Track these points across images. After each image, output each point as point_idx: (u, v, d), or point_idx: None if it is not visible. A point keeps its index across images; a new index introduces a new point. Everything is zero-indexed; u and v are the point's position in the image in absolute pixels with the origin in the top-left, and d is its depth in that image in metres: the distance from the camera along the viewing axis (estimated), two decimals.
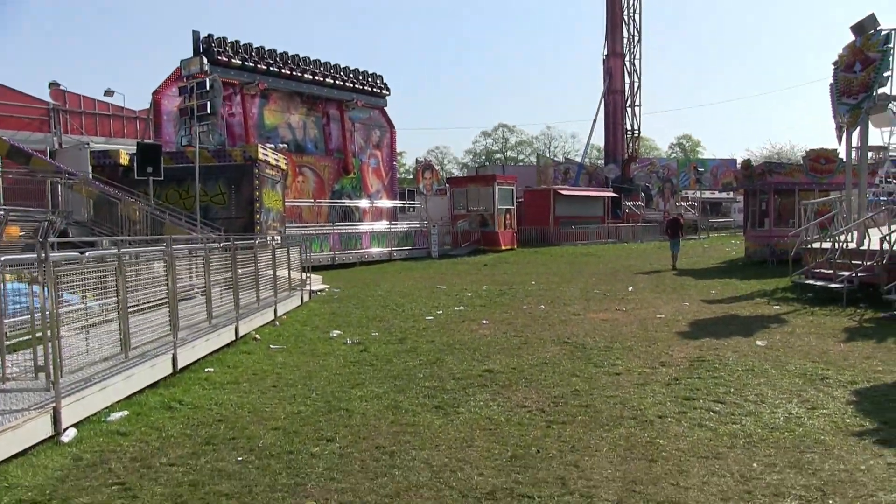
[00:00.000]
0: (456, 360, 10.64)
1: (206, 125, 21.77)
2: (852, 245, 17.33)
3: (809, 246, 19.12)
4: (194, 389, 9.10)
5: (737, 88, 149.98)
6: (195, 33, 31.54)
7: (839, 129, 19.39)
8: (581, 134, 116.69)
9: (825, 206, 20.85)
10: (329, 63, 37.95)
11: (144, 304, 9.80)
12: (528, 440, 6.75)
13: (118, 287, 8.64)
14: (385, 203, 42.08)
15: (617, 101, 56.38)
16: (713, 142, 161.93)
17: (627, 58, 56.88)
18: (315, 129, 38.06)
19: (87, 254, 9.72)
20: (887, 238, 15.33)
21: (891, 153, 31.51)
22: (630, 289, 20.00)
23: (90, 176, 21.81)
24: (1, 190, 21.34)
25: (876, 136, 24.03)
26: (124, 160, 23.09)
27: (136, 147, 20.60)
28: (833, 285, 16.00)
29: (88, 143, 27.95)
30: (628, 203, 52.06)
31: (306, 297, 18.95)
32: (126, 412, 7.80)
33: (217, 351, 11.53)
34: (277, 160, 25.99)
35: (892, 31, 17.67)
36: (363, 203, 39.97)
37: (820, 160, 26.56)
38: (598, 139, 59.91)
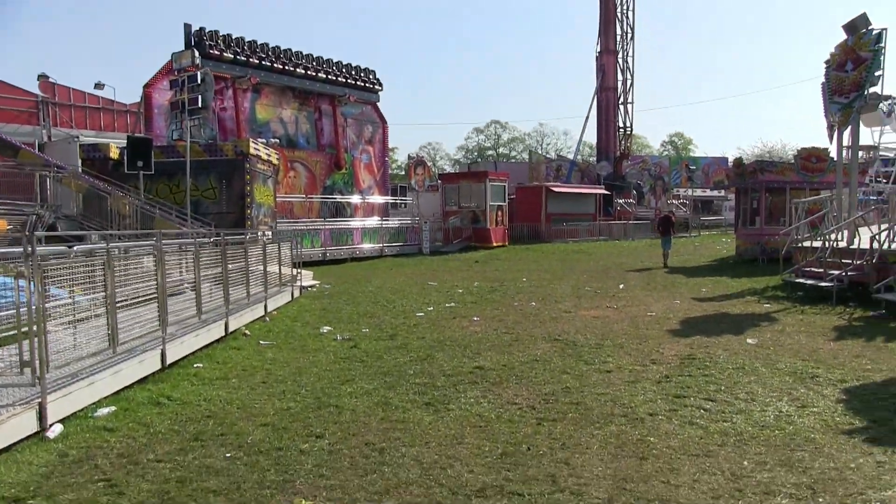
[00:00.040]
0: (446, 357, 10.61)
1: (197, 119, 21.62)
2: (842, 244, 17.37)
3: (800, 244, 19.16)
4: (183, 385, 9.04)
5: (729, 87, 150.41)
6: (187, 26, 31.34)
7: (830, 127, 19.44)
8: (573, 131, 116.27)
9: (816, 205, 20.91)
10: (321, 58, 37.78)
11: (133, 298, 9.73)
12: (518, 437, 6.72)
13: (106, 282, 8.57)
14: (377, 199, 41.97)
15: (609, 99, 56.37)
16: (705, 140, 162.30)
17: (620, 55, 56.91)
18: (307, 124, 37.91)
19: (75, 248, 9.67)
20: (877, 237, 15.39)
21: (881, 153, 31.68)
22: (621, 286, 20.01)
23: (79, 170, 21.67)
24: None
25: (867, 135, 24.18)
26: (114, 154, 22.92)
27: (126, 141, 20.47)
28: (823, 284, 16.07)
29: (78, 137, 27.77)
30: (620, 200, 52.11)
31: (297, 293, 18.89)
32: (113, 408, 7.74)
33: (206, 346, 11.47)
34: (269, 155, 25.87)
35: (884, 31, 17.73)
36: (355, 199, 39.86)
37: (811, 159, 26.64)
38: (591, 136, 60.06)
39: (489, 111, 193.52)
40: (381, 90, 42.08)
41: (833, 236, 17.68)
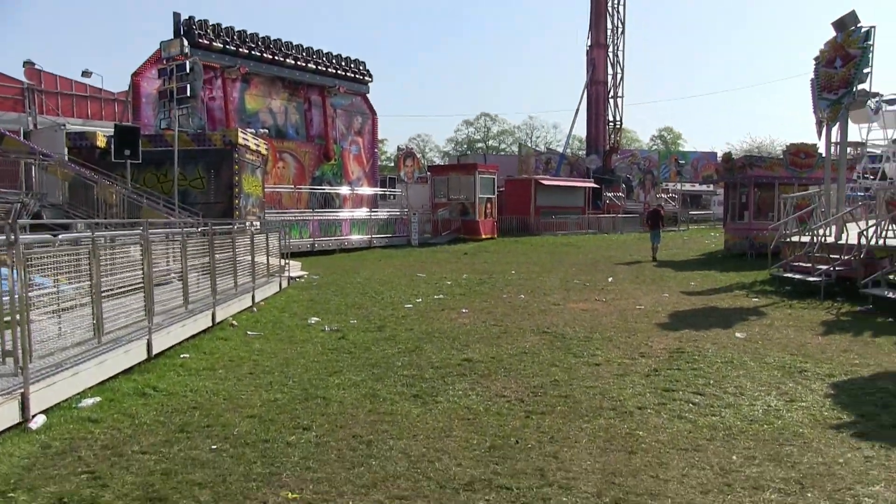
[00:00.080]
0: (435, 349, 10.57)
1: (185, 108, 21.48)
2: (830, 239, 17.43)
3: (788, 239, 19.22)
4: (169, 376, 8.96)
5: (718, 82, 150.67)
6: (176, 15, 31.10)
7: (819, 123, 19.51)
8: (563, 124, 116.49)
9: (804, 201, 20.97)
10: (311, 48, 37.61)
11: (119, 288, 9.64)
12: (506, 430, 6.69)
13: (92, 271, 8.48)
14: (366, 190, 41.87)
15: (599, 92, 56.33)
16: (694, 135, 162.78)
17: (611, 49, 56.89)
18: (296, 115, 37.76)
19: (59, 236, 9.58)
20: (865, 233, 15.43)
21: (868, 149, 31.85)
22: (610, 279, 20.01)
23: (66, 158, 21.49)
24: None
25: (854, 132, 24.29)
26: (101, 142, 22.74)
27: (113, 129, 20.30)
28: (811, 279, 16.12)
29: (64, 125, 27.57)
30: (609, 194, 52.11)
31: (285, 284, 18.81)
32: (98, 398, 7.65)
33: (193, 337, 11.38)
34: (258, 145, 25.73)
35: (872, 29, 17.79)
36: (344, 190, 39.74)
37: (800, 154, 26.71)
38: (581, 130, 59.97)
39: (479, 103, 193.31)
40: (371, 81, 41.98)
41: (821, 231, 17.73)
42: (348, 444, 6.34)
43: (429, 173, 44.53)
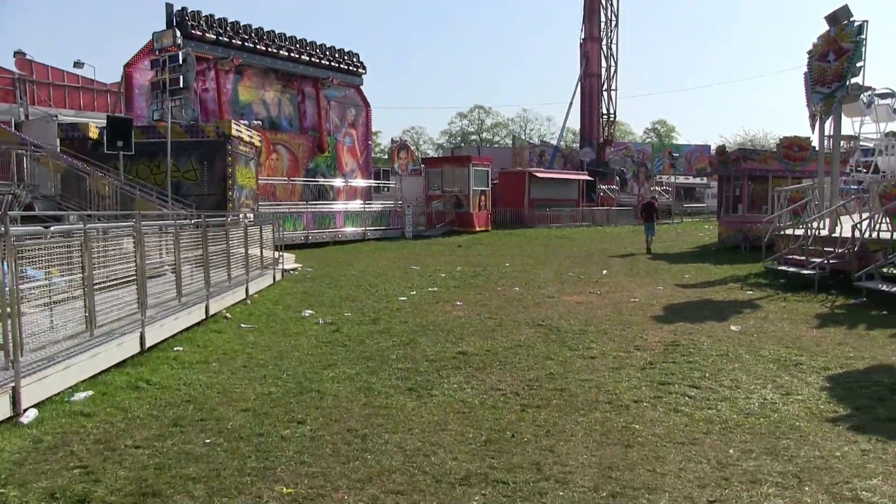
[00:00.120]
0: (429, 342, 10.54)
1: (178, 100, 21.43)
2: (824, 232, 17.44)
3: (782, 232, 19.22)
4: (162, 369, 8.91)
5: (712, 75, 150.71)
6: (168, 6, 30.96)
7: (812, 117, 19.50)
8: (557, 117, 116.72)
9: (798, 194, 20.96)
10: (305, 40, 37.49)
11: (112, 280, 9.58)
12: (502, 424, 6.66)
13: (84, 263, 8.41)
14: (360, 182, 41.79)
15: (593, 85, 56.22)
16: (688, 128, 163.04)
17: (605, 42, 56.70)
18: (290, 107, 37.66)
19: (51, 228, 9.49)
20: (858, 226, 15.44)
21: (861, 143, 31.85)
22: (604, 272, 20.00)
23: (58, 149, 21.37)
24: None
25: (847, 125, 24.25)
26: (93, 134, 22.63)
27: (106, 121, 20.19)
28: (805, 272, 16.11)
29: (56, 116, 27.38)
30: (603, 187, 52.11)
31: (279, 276, 18.75)
32: (91, 392, 7.59)
33: (187, 329, 11.33)
34: (251, 137, 25.65)
35: (865, 23, 17.79)
36: (337, 182, 39.66)
37: (793, 148, 26.72)
38: (574, 122, 59.80)
39: (473, 96, 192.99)
40: (365, 73, 41.93)
41: (815, 224, 17.75)
42: (343, 437, 6.30)
43: (423, 165, 44.46)
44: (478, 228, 37.48)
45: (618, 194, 52.84)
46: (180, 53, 20.19)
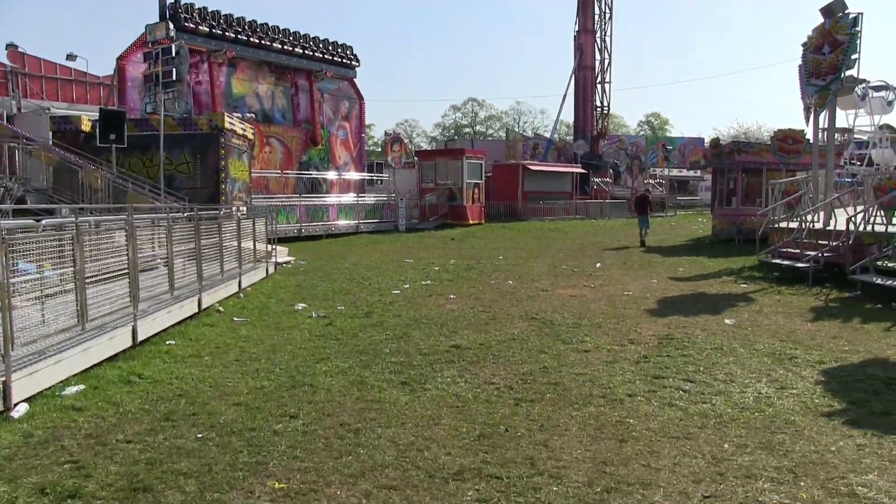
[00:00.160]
0: (423, 336, 10.51)
1: (171, 92, 21.28)
2: (819, 225, 17.45)
3: (776, 225, 19.23)
4: (154, 363, 8.86)
5: (705, 68, 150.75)
6: None
7: (807, 109, 19.50)
8: (551, 109, 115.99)
9: (792, 186, 20.96)
10: (298, 33, 37.33)
11: (104, 274, 9.51)
12: (496, 418, 6.63)
13: (75, 256, 8.35)
14: (353, 175, 41.68)
15: (587, 78, 56.17)
16: (681, 120, 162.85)
17: (598, 34, 56.66)
18: (283, 100, 37.52)
19: (43, 222, 9.43)
20: (853, 219, 15.45)
21: (855, 136, 31.89)
22: (598, 265, 19.98)
23: (50, 142, 21.24)
24: None
25: (841, 118, 24.30)
26: (86, 127, 22.48)
27: (98, 113, 20.07)
28: (799, 265, 16.12)
29: (49, 109, 27.16)
30: (596, 179, 52.09)
31: (272, 270, 18.70)
32: (82, 386, 7.54)
33: (179, 323, 11.28)
34: (244, 130, 25.53)
35: (860, 15, 17.78)
36: (331, 175, 39.54)
37: (787, 140, 26.72)
38: (568, 115, 59.87)
39: (466, 89, 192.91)
40: (358, 66, 41.77)
41: (809, 217, 17.75)
42: (336, 432, 6.26)
43: (416, 158, 44.39)
44: (471, 221, 37.40)
45: (611, 187, 52.78)
46: (173, 46, 20.05)
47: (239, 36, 33.73)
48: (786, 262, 16.91)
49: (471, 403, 7.11)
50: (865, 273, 14.09)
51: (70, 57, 34.36)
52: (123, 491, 5.03)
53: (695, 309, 12.70)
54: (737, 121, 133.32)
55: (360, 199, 36.66)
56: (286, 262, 20.85)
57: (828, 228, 16.79)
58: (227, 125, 23.07)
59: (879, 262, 14.22)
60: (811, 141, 22.40)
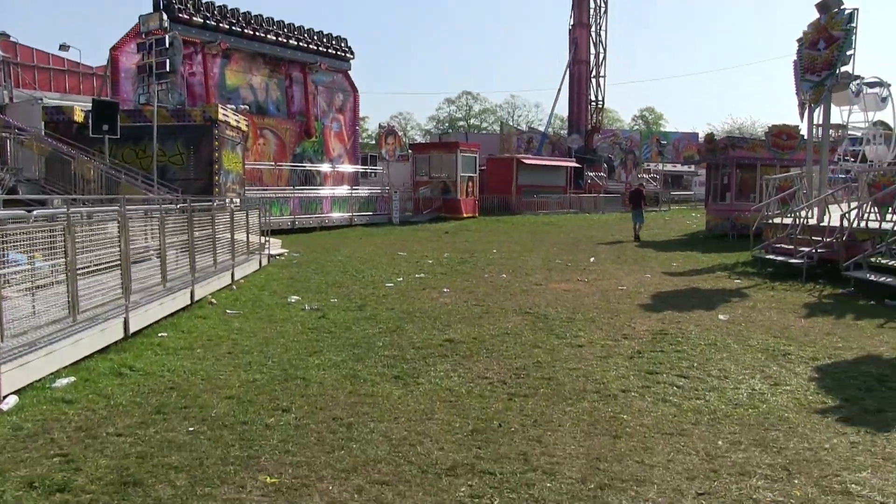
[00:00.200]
0: (416, 329, 10.47)
1: (164, 83, 21.15)
2: (813, 221, 17.44)
3: (770, 221, 19.23)
4: (146, 355, 8.81)
5: (700, 63, 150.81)
6: None
7: (802, 105, 19.49)
8: (545, 103, 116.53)
9: (786, 182, 20.96)
10: (293, 24, 37.20)
11: (96, 265, 9.45)
12: (489, 413, 6.60)
13: (67, 248, 8.29)
14: (347, 168, 41.60)
15: (582, 72, 56.09)
16: (675, 115, 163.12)
17: (593, 28, 56.58)
18: (277, 91, 37.40)
19: (34, 212, 9.37)
20: (847, 215, 15.44)
21: (849, 132, 31.91)
22: (592, 259, 19.97)
23: (42, 132, 21.11)
24: None
25: (836, 114, 24.29)
26: (79, 117, 22.36)
27: (91, 104, 19.95)
28: (793, 261, 16.12)
29: (41, 99, 27.00)
30: (591, 174, 52.08)
31: (265, 262, 18.64)
32: (73, 378, 7.48)
33: (171, 315, 11.22)
34: (238, 121, 25.43)
35: (855, 11, 17.75)
36: (325, 167, 39.45)
37: (782, 136, 26.74)
38: (562, 109, 59.69)
39: (461, 82, 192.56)
40: (353, 58, 41.69)
41: (803, 213, 17.75)
42: (328, 426, 6.23)
43: (410, 151, 44.31)
44: (465, 215, 37.39)
45: (605, 181, 52.83)
46: (167, 37, 19.92)
47: (233, 27, 33.58)
48: (779, 258, 16.92)
49: (464, 398, 7.08)
50: (859, 269, 14.09)
51: (63, 47, 34.16)
52: (113, 485, 4.99)
53: (689, 304, 12.69)
54: (731, 116, 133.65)
55: (353, 191, 36.62)
56: (279, 255, 20.80)
57: (822, 225, 16.78)
58: (220, 117, 22.97)
59: (873, 259, 14.22)
60: (805, 137, 22.39)
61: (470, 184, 38.68)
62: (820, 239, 15.98)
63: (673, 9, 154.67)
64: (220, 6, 33.20)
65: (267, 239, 19.83)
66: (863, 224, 15.26)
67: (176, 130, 22.62)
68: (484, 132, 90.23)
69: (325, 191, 35.31)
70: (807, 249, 15.87)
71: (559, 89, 56.63)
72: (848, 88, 22.76)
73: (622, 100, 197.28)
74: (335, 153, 41.15)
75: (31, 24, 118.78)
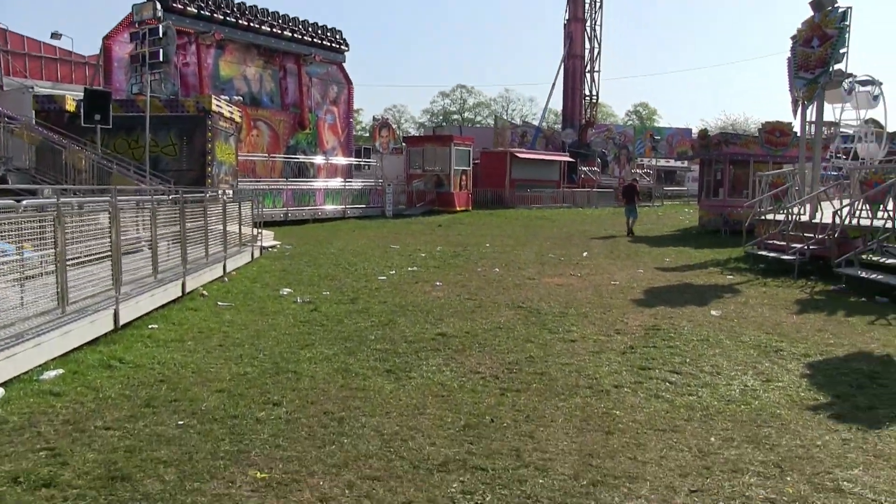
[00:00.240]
0: (408, 323, 10.43)
1: (158, 73, 21.04)
2: (805, 218, 17.47)
3: (763, 217, 19.25)
4: (136, 347, 8.75)
5: (694, 59, 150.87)
6: None
7: (795, 102, 19.50)
8: (539, 98, 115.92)
9: (779, 179, 20.96)
10: (287, 16, 37.05)
11: (86, 256, 9.38)
12: (481, 408, 6.56)
13: (57, 238, 8.21)
14: (340, 160, 41.47)
15: (576, 67, 56.06)
16: (669, 111, 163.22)
17: (588, 23, 56.55)
18: (271, 83, 37.25)
19: (24, 202, 9.28)
20: (839, 212, 15.47)
21: (841, 129, 31.96)
22: (585, 254, 19.96)
23: (33, 121, 20.99)
24: None
25: (828, 111, 24.29)
26: (70, 106, 22.23)
27: (83, 93, 19.84)
28: (785, 257, 16.14)
29: (32, 87, 26.85)
30: (584, 168, 52.08)
31: (257, 254, 18.58)
32: (61, 371, 7.41)
33: (162, 307, 11.16)
34: (231, 112, 25.34)
35: (849, 9, 17.76)
36: (318, 159, 39.32)
37: (775, 133, 26.78)
38: (557, 104, 59.75)
39: (455, 75, 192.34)
40: (347, 50, 41.57)
41: (796, 210, 17.77)
42: (319, 420, 6.19)
43: (404, 144, 44.24)
44: (458, 208, 37.36)
45: (599, 176, 52.80)
46: (160, 26, 19.82)
47: (227, 18, 33.42)
48: (772, 254, 16.93)
49: (456, 393, 7.05)
50: (850, 266, 14.10)
51: (55, 35, 33.98)
52: (101, 479, 4.93)
53: (681, 300, 12.68)
54: (724, 112, 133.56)
55: (347, 184, 36.53)
56: (272, 247, 20.73)
57: (814, 221, 16.80)
58: (214, 108, 22.90)
59: (864, 256, 14.23)
60: (798, 134, 22.41)
61: (463, 177, 38.64)
62: (812, 236, 16.00)
63: (668, 5, 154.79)
64: None
65: (259, 231, 19.77)
66: (854, 221, 15.29)
67: (169, 121, 22.55)
68: (478, 126, 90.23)
69: (319, 183, 35.21)
70: (799, 246, 15.88)
71: (553, 84, 56.67)
72: (840, 86, 22.79)
73: (616, 95, 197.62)
74: (329, 145, 41.03)
75: (23, 11, 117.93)
